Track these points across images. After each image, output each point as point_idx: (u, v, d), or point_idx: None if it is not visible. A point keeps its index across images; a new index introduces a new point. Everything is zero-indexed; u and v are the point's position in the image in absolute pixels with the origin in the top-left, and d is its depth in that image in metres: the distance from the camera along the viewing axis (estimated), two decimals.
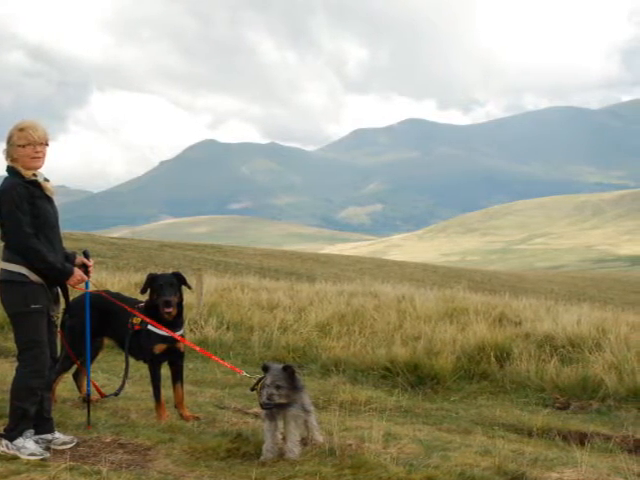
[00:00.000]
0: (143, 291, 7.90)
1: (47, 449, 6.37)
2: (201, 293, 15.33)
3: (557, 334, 12.82)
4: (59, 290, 6.77)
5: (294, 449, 6.29)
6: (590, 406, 9.91)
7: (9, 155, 6.44)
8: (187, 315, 12.43)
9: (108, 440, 6.79)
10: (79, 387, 8.53)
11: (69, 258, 6.82)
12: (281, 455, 6.30)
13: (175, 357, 7.88)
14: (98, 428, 7.13)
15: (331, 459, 6.16)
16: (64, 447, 6.51)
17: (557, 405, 10.10)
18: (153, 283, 7.77)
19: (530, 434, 8.21)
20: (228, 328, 14.03)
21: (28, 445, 6.26)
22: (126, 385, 8.01)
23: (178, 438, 6.85)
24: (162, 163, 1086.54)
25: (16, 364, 6.50)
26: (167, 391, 7.93)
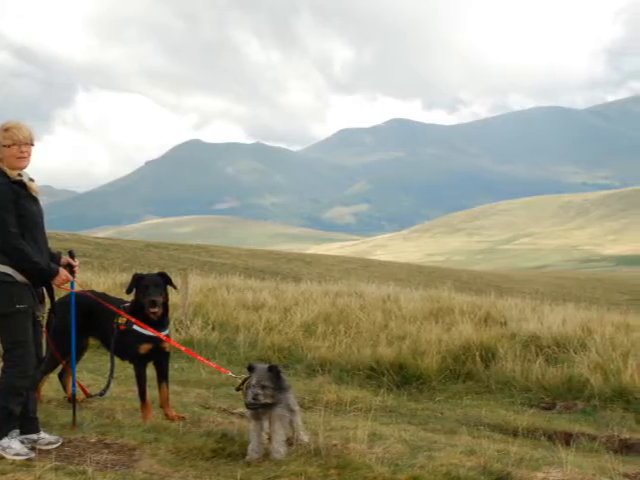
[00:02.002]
0: (129, 291, 7.88)
1: (32, 449, 6.34)
2: (187, 293, 15.30)
3: (542, 334, 12.87)
4: (44, 290, 6.75)
5: (280, 449, 6.28)
6: (575, 406, 9.95)
7: None
8: (172, 315, 12.41)
9: (93, 440, 6.76)
10: (64, 387, 8.49)
11: (54, 258, 6.80)
12: (266, 455, 6.30)
13: (160, 357, 7.86)
14: (83, 428, 7.10)
15: (316, 459, 6.16)
16: (49, 447, 6.48)
17: (542, 405, 10.14)
18: (139, 283, 7.75)
19: (515, 434, 8.25)
20: (213, 328, 14.02)
21: (13, 445, 6.23)
22: (111, 385, 7.97)
23: (163, 438, 6.83)
24: (147, 163, 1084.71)
25: (1, 364, 6.47)
26: (152, 391, 7.91)
